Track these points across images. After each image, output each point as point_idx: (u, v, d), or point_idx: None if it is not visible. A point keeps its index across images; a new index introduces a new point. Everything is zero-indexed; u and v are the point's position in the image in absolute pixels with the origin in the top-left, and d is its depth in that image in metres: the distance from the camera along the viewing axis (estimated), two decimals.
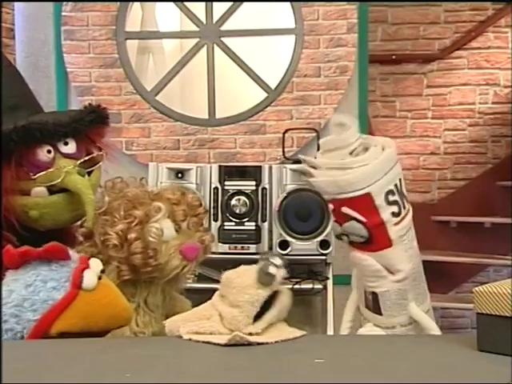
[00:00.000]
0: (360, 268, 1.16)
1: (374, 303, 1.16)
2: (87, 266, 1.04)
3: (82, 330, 1.00)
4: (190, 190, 1.35)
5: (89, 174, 1.33)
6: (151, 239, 1.16)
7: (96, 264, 1.07)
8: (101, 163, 1.36)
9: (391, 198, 1.11)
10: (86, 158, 1.32)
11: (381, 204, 1.10)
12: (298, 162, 2.40)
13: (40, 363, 0.83)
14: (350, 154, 1.13)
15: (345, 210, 1.10)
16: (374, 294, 1.15)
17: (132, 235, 1.15)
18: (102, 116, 1.36)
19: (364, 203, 1.10)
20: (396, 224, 1.12)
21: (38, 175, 1.24)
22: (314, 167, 1.14)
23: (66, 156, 1.28)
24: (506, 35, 3.99)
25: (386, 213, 1.11)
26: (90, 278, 1.02)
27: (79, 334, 1.00)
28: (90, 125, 1.32)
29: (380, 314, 1.16)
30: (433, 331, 1.13)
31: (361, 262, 1.14)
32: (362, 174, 1.10)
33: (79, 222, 1.28)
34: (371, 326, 1.19)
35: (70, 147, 1.29)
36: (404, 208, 1.14)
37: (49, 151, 1.26)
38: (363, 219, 1.10)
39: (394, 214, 1.12)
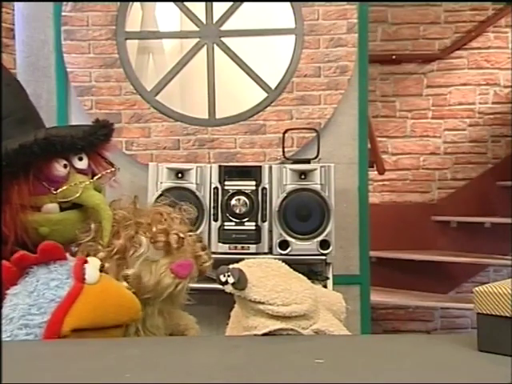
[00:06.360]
0: None
1: None
2: (86, 261, 1.04)
3: (93, 324, 0.99)
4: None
5: None
6: (126, 284, 1.11)
7: (94, 260, 1.06)
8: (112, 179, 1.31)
9: None
10: (103, 172, 1.27)
11: None
12: (298, 162, 2.40)
13: (40, 363, 0.83)
14: None
15: None
16: None
17: (107, 265, 1.11)
18: (112, 131, 1.31)
19: None
20: None
21: (59, 190, 1.19)
22: None
23: (80, 171, 1.24)
24: (506, 35, 3.99)
25: None
26: (92, 271, 1.02)
27: (93, 331, 0.99)
28: (104, 139, 1.28)
29: None
30: None
31: None
32: None
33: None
34: None
35: (84, 162, 1.25)
36: None
37: (65, 166, 1.21)
38: None
39: None
